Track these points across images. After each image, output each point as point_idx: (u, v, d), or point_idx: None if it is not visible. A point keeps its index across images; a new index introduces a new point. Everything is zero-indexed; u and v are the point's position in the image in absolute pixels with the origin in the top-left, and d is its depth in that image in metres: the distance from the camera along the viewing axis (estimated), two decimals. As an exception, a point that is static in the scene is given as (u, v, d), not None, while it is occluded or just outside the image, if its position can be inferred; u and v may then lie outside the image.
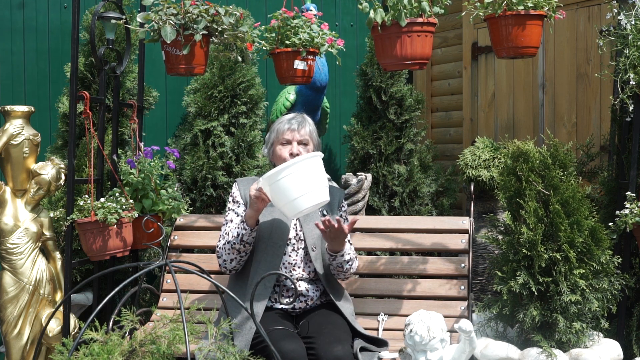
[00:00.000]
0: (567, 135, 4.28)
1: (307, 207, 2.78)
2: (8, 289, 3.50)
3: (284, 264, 3.02)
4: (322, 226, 2.91)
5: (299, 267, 3.05)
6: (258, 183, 2.86)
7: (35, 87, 4.76)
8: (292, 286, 3.00)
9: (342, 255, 3.01)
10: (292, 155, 3.07)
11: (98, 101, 3.61)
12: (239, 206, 3.11)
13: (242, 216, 3.04)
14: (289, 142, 3.10)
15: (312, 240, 3.06)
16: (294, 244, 3.05)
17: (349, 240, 3.15)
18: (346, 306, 3.09)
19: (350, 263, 3.05)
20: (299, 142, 3.10)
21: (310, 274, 3.06)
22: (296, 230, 3.07)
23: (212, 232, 3.71)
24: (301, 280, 3.04)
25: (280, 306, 3.01)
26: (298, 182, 2.72)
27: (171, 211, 3.66)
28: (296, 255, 3.05)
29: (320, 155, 2.83)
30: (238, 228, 2.95)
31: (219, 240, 3.05)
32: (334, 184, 4.07)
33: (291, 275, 3.02)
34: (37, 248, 3.57)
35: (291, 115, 3.19)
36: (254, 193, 2.87)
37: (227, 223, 3.10)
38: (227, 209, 3.15)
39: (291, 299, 2.99)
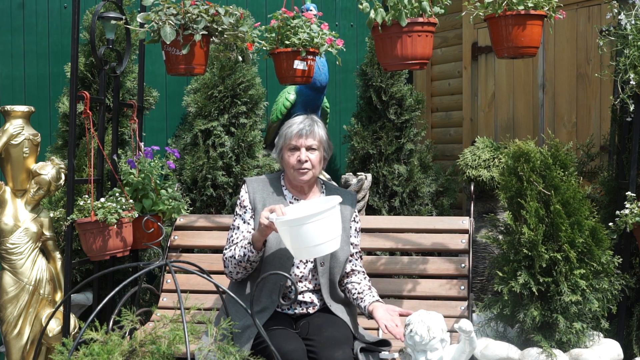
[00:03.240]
0: (567, 135, 4.28)
1: (324, 255, 2.77)
2: (8, 289, 3.50)
3: (290, 276, 2.99)
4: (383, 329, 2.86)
5: (305, 280, 3.01)
6: (271, 213, 2.76)
7: (35, 87, 4.76)
8: (294, 294, 2.99)
9: None
10: (300, 162, 2.97)
11: (98, 101, 3.61)
12: (246, 212, 3.03)
13: (249, 226, 3.01)
14: (297, 149, 2.98)
15: (322, 256, 2.99)
16: None
17: (357, 253, 3.15)
18: (350, 313, 3.04)
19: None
20: (307, 148, 2.99)
21: (316, 286, 3.03)
22: None
23: (212, 232, 3.71)
24: (306, 291, 3.02)
25: (280, 310, 3.00)
26: (321, 230, 2.65)
27: (171, 211, 3.66)
28: (304, 269, 3.00)
29: (339, 200, 2.76)
30: (245, 248, 2.88)
31: (225, 248, 2.99)
32: (334, 184, 4.07)
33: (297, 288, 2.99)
34: (37, 248, 3.57)
35: (300, 118, 3.06)
36: (266, 222, 2.76)
37: (233, 229, 3.03)
38: (234, 213, 3.08)
39: (291, 301, 2.98)
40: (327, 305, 3.02)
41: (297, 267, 2.99)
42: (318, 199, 2.99)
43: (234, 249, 2.93)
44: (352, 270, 3.09)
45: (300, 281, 3.00)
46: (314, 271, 3.01)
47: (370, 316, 2.91)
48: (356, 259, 3.12)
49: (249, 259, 2.88)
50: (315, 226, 2.63)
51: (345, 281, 3.07)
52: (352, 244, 3.10)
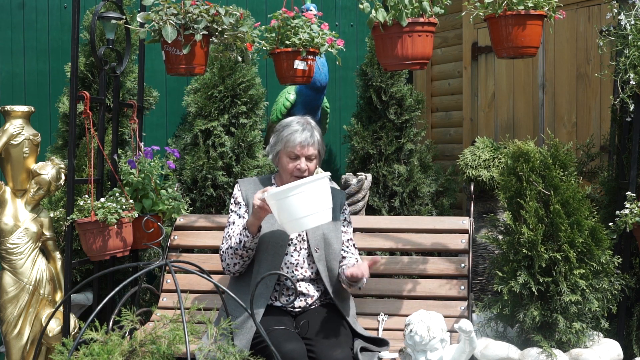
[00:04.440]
0: (567, 135, 4.28)
1: (311, 227, 2.81)
2: (8, 289, 3.50)
3: (285, 264, 3.03)
4: (348, 274, 2.94)
5: (301, 268, 3.05)
6: (263, 193, 2.84)
7: (35, 87, 4.76)
8: (292, 286, 3.01)
9: (360, 282, 3.01)
10: (299, 170, 3.05)
11: (98, 101, 3.61)
12: (240, 207, 3.11)
13: (244, 220, 3.06)
14: (297, 157, 3.05)
15: (315, 242, 3.05)
16: (295, 244, 3.05)
17: (348, 240, 3.17)
18: (348, 308, 3.08)
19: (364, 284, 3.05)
20: (307, 158, 3.07)
21: (313, 274, 3.07)
22: None
23: (212, 232, 3.71)
24: (302, 280, 3.04)
25: (279, 304, 3.02)
26: (305, 202, 2.71)
27: (171, 211, 3.66)
28: (298, 256, 3.05)
29: (327, 175, 2.82)
30: (240, 235, 2.94)
31: (222, 243, 3.05)
32: (335, 185, 4.06)
33: (292, 276, 3.02)
34: (37, 248, 3.57)
35: (300, 124, 3.09)
36: (258, 203, 2.84)
37: (229, 225, 3.10)
38: (229, 211, 3.15)
39: (291, 298, 2.99)
40: (328, 295, 3.05)
41: (292, 256, 3.04)
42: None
43: (230, 242, 2.99)
44: (344, 257, 3.14)
45: (296, 269, 3.04)
46: (309, 259, 3.04)
47: (346, 278, 2.97)
48: (347, 247, 3.17)
49: (245, 244, 2.93)
50: (299, 198, 2.70)
51: (338, 265, 3.12)
52: (344, 232, 3.17)
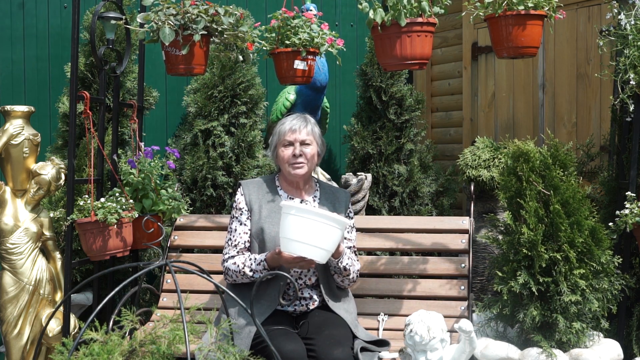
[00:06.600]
0: (567, 135, 4.28)
1: (298, 254, 2.78)
2: (8, 289, 3.50)
3: (289, 271, 3.02)
4: None
5: (305, 275, 3.05)
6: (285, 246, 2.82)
7: (35, 87, 4.76)
8: (293, 292, 3.00)
9: (340, 262, 3.00)
10: (294, 156, 3.05)
11: (98, 101, 3.61)
12: (242, 214, 3.08)
13: (246, 227, 3.05)
14: (291, 144, 3.07)
15: None
16: None
17: (349, 248, 3.16)
18: (348, 311, 3.07)
19: (348, 268, 3.04)
20: (302, 143, 3.07)
21: (315, 281, 3.07)
22: None
23: (212, 232, 3.71)
24: (305, 287, 3.05)
25: (280, 307, 3.01)
26: (311, 231, 2.70)
27: (171, 211, 3.66)
28: None
29: (349, 224, 2.80)
30: (257, 271, 2.93)
31: (225, 253, 3.04)
32: (335, 185, 4.06)
33: (296, 282, 3.01)
34: (37, 248, 3.57)
35: (293, 116, 3.16)
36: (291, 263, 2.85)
37: (231, 232, 3.08)
38: (231, 216, 3.13)
39: (291, 300, 2.99)
40: (326, 302, 3.03)
41: None
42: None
43: (239, 263, 2.97)
44: None
45: (300, 277, 3.02)
46: (312, 266, 3.04)
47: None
48: (348, 255, 3.13)
49: (257, 276, 2.94)
50: (312, 225, 2.68)
51: None
52: (345, 239, 3.13)
